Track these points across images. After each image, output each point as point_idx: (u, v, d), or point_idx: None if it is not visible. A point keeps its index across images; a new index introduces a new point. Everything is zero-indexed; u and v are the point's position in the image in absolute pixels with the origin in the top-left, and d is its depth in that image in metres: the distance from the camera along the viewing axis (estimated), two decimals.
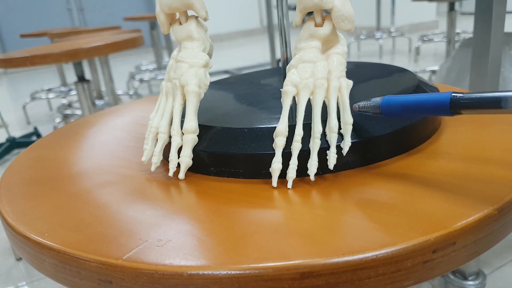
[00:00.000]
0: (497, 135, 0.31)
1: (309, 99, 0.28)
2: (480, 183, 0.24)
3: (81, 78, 1.20)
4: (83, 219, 0.25)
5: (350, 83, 0.28)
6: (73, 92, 2.71)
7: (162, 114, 0.32)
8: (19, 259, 1.27)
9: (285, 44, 0.42)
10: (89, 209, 0.27)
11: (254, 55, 3.89)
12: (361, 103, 0.28)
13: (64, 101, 2.68)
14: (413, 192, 0.24)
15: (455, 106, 0.23)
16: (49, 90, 2.83)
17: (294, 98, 0.29)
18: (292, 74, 0.28)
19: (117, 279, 0.20)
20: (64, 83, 2.79)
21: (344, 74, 0.28)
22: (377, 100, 0.27)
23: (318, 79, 0.27)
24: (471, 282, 0.80)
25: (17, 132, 2.43)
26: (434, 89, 0.36)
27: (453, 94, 0.23)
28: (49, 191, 0.30)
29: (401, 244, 0.19)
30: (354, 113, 0.29)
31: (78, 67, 1.19)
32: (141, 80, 2.85)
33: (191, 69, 0.31)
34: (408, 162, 0.28)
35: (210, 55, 0.33)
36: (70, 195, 0.29)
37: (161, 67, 2.85)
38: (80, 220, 0.25)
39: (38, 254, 0.24)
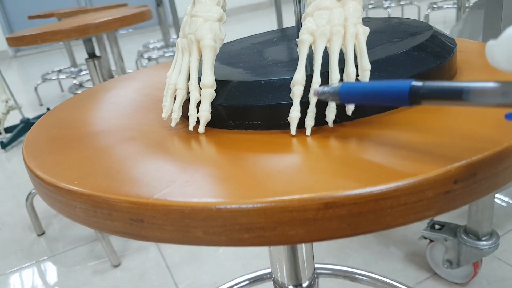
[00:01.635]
0: None
1: (325, 47, 0.28)
2: (499, 120, 0.25)
3: (92, 55, 1.20)
4: (111, 168, 0.26)
5: (367, 30, 0.28)
6: (83, 72, 2.72)
7: (179, 70, 0.32)
8: (40, 234, 1.31)
9: (299, 2, 0.42)
10: (115, 159, 0.28)
11: (261, 31, 3.84)
12: (319, 89, 0.27)
13: (75, 81, 2.69)
14: (431, 132, 0.25)
15: (415, 96, 0.21)
16: (60, 71, 2.85)
17: (310, 47, 0.29)
18: (308, 22, 0.28)
19: (149, 217, 0.21)
20: (74, 64, 2.80)
21: (361, 20, 0.28)
22: (335, 86, 0.26)
23: (335, 26, 0.27)
24: (484, 242, 0.80)
25: (30, 114, 2.46)
26: (450, 40, 0.35)
27: (413, 83, 0.21)
28: (75, 146, 0.31)
29: (423, 175, 0.20)
30: (319, 97, 0.27)
31: (88, 44, 1.19)
32: (150, 58, 2.85)
33: (206, 23, 0.31)
34: (426, 107, 0.29)
35: (223, 9, 0.33)
36: (95, 149, 0.30)
37: (168, 44, 2.84)
38: (108, 169, 0.26)
39: (69, 201, 0.25)
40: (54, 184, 0.26)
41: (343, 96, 0.25)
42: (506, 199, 1.10)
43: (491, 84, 0.18)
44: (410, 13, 3.38)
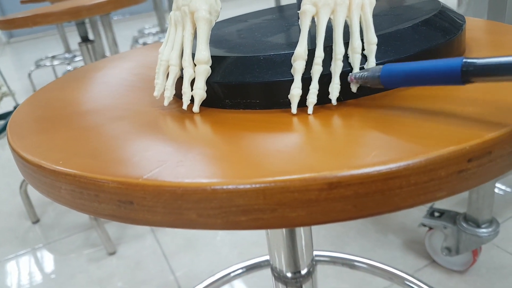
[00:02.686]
0: None
1: (329, 19, 0.27)
2: None
3: (85, 39, 1.18)
4: (98, 148, 0.25)
5: (373, 0, 0.27)
6: (77, 58, 2.68)
7: (172, 45, 0.31)
8: (35, 222, 1.30)
9: None
10: (103, 139, 0.26)
11: None
12: (358, 74, 0.25)
13: (69, 67, 2.66)
14: (443, 109, 0.23)
15: (468, 74, 0.20)
16: (53, 57, 2.80)
17: (313, 19, 0.27)
18: None
19: (138, 199, 0.20)
20: (68, 50, 2.75)
21: None
22: (376, 69, 0.24)
23: None
24: (484, 230, 0.80)
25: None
26: (459, 16, 0.33)
27: (464, 60, 0.20)
28: (61, 126, 0.29)
29: (435, 153, 0.18)
30: (353, 82, 0.26)
31: (81, 27, 1.16)
32: (145, 44, 2.81)
33: None
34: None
35: None
36: (82, 129, 0.28)
37: (164, 30, 2.80)
38: (95, 149, 0.24)
39: (54, 182, 0.23)
40: (38, 164, 0.24)
41: (385, 80, 0.24)
42: (503, 187, 1.10)
43: None
44: None
